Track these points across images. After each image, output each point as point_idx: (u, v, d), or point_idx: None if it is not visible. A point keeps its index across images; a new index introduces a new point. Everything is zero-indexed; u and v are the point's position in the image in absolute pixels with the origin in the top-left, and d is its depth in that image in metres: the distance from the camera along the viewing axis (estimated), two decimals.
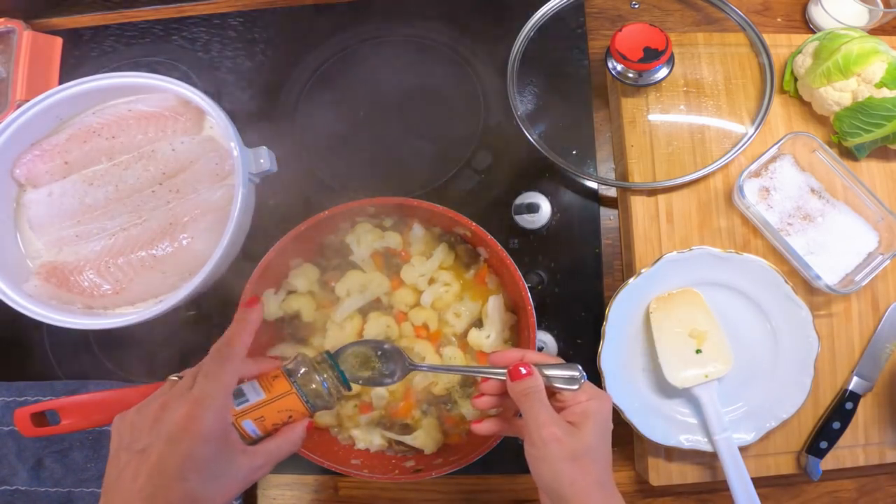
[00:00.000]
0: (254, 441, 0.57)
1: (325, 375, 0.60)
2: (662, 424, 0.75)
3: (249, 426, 0.56)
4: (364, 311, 0.78)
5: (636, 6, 0.94)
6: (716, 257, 0.76)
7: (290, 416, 0.58)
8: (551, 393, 0.58)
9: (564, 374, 0.58)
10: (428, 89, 0.94)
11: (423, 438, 0.74)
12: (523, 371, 0.58)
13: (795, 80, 0.84)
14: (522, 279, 0.71)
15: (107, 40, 1.01)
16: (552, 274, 0.85)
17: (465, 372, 0.67)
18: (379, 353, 0.66)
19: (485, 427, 0.64)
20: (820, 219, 0.79)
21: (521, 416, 0.60)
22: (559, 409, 0.58)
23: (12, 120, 0.81)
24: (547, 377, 0.58)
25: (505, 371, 0.59)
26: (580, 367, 0.58)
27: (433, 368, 0.68)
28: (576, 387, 0.58)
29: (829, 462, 0.76)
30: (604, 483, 0.55)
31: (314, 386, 0.59)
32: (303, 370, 0.60)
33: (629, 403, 0.75)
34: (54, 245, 0.82)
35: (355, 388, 0.76)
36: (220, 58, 0.98)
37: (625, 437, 0.80)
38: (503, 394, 0.62)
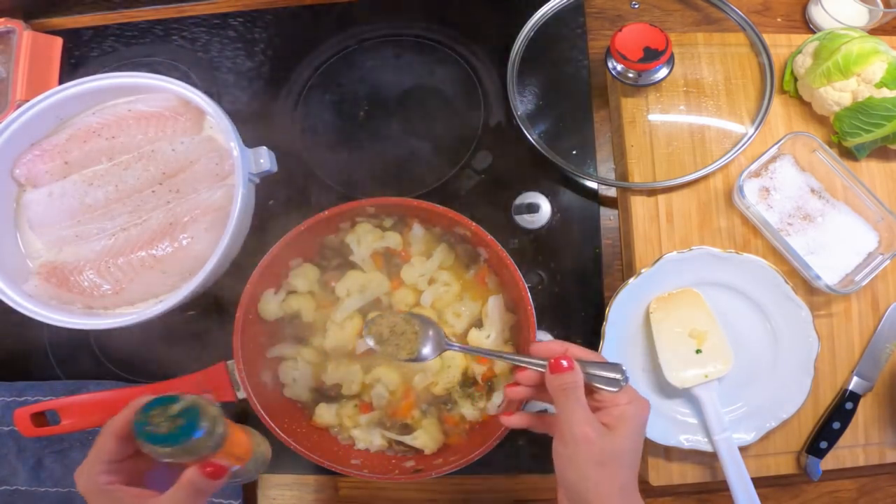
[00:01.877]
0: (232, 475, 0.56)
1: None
2: (662, 424, 0.75)
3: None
4: (364, 311, 0.78)
5: (636, 6, 0.94)
6: (716, 257, 0.76)
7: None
8: (589, 390, 0.57)
9: (606, 374, 0.57)
10: (428, 89, 0.94)
11: (423, 438, 0.74)
12: (564, 364, 0.57)
13: (795, 80, 0.84)
14: (522, 279, 0.71)
15: (107, 40, 1.01)
16: (552, 274, 0.85)
17: (505, 359, 0.65)
18: (416, 327, 0.65)
19: (514, 420, 0.63)
20: (820, 219, 0.79)
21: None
22: (596, 409, 0.57)
23: (12, 120, 0.81)
24: (588, 374, 0.57)
25: (545, 362, 0.58)
26: (624, 369, 0.57)
27: (471, 350, 0.67)
28: (616, 389, 0.56)
29: (829, 462, 0.76)
30: (625, 486, 0.54)
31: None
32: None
33: None
34: (54, 245, 0.82)
35: (355, 387, 0.76)
36: (220, 58, 0.98)
37: None
38: (538, 385, 0.61)
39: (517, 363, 0.62)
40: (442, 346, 0.65)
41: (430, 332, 0.66)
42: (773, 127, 0.84)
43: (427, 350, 0.65)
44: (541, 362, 0.59)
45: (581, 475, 0.54)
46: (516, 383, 0.62)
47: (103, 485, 0.53)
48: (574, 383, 0.56)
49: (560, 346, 0.60)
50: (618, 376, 0.56)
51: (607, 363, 0.58)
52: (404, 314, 0.68)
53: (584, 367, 0.57)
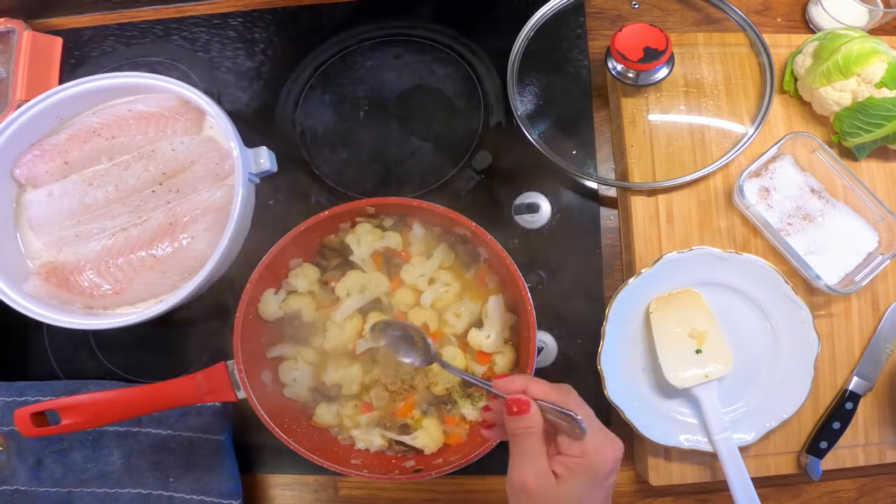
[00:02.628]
0: None
1: None
2: (662, 424, 0.75)
3: None
4: (364, 311, 0.78)
5: (636, 6, 0.94)
6: (716, 257, 0.76)
7: None
8: (557, 429, 0.54)
9: (563, 421, 0.53)
10: (428, 89, 0.94)
11: (423, 438, 0.74)
12: (521, 405, 0.53)
13: (795, 80, 0.84)
14: (522, 279, 0.71)
15: (107, 40, 1.01)
16: (552, 274, 0.85)
17: (481, 385, 0.62)
18: (403, 335, 0.68)
19: (492, 433, 0.62)
20: (820, 219, 0.79)
21: None
22: (556, 453, 0.54)
23: (12, 120, 0.81)
24: (549, 414, 0.54)
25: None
26: (578, 419, 0.52)
27: (453, 370, 0.66)
28: (575, 437, 0.53)
29: (829, 462, 0.76)
30: None
31: None
32: None
33: (629, 403, 0.74)
34: (54, 245, 0.82)
35: (355, 387, 0.76)
36: (220, 58, 0.98)
37: (625, 437, 0.79)
38: None
39: (491, 392, 0.59)
40: (431, 358, 0.67)
41: (417, 343, 0.68)
42: (773, 127, 0.84)
43: (411, 359, 0.68)
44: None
45: None
46: (488, 408, 0.61)
47: None
48: (527, 428, 0.53)
49: (521, 383, 0.56)
50: (575, 429, 0.52)
51: (562, 411, 0.53)
52: (399, 322, 0.69)
53: (543, 406, 0.54)
